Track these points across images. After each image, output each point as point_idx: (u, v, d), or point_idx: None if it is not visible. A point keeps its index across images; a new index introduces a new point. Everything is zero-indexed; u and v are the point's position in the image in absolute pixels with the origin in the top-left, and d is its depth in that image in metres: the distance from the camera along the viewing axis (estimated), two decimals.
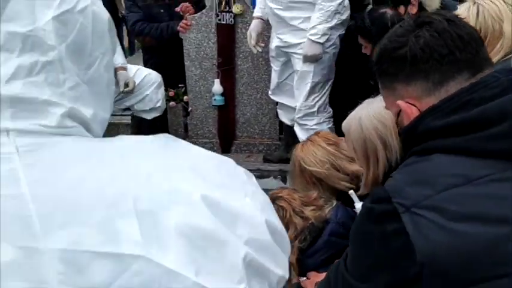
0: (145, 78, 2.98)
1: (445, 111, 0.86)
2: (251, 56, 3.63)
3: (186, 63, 3.72)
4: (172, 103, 3.60)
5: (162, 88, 3.11)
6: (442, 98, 0.88)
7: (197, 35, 3.66)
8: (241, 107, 3.80)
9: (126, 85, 2.85)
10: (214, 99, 3.64)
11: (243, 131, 3.87)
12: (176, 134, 3.87)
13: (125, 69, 2.86)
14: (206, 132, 3.90)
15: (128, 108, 3.23)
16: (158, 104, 3.10)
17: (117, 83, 2.90)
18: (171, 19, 3.60)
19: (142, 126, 3.30)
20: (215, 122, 3.85)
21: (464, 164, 0.83)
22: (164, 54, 3.73)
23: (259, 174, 3.50)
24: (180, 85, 3.73)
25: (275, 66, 3.25)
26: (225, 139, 3.86)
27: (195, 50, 3.70)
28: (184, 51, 3.69)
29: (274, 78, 3.28)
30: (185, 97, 3.77)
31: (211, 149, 3.86)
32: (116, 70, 2.80)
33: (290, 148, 3.41)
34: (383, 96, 1.03)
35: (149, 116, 3.13)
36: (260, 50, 3.23)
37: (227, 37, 3.61)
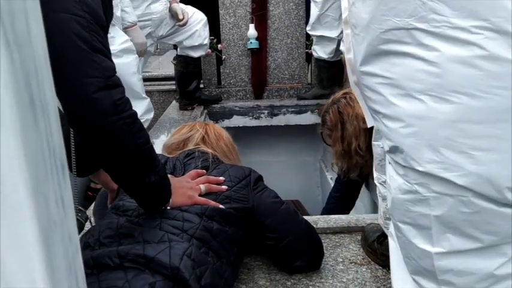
0: (194, 15, 3.10)
1: None
2: (282, 1, 3.71)
3: (220, 11, 3.77)
4: (208, 50, 3.63)
5: (208, 26, 3.18)
6: None
7: None
8: (272, 52, 3.86)
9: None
10: (250, 43, 3.71)
11: (274, 77, 3.93)
12: (210, 83, 3.93)
13: (177, 2, 2.92)
14: (239, 81, 3.96)
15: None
16: (205, 41, 3.22)
17: (171, 16, 2.93)
18: None
19: (182, 77, 3.39)
20: (247, 70, 3.91)
21: None
22: (198, 5, 3.75)
23: (297, 110, 3.63)
24: (211, 37, 3.77)
25: None
26: (257, 86, 3.91)
27: None
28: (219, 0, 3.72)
29: (315, 12, 3.36)
30: (219, 45, 3.81)
31: (244, 96, 3.94)
32: (170, 3, 2.85)
33: (325, 84, 3.56)
34: None
35: (196, 54, 3.25)
36: None
37: None
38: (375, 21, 0.67)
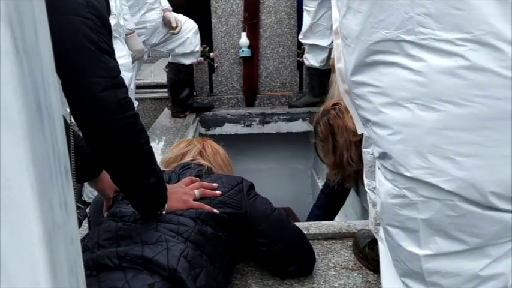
0: (185, 23, 3.12)
1: None
2: (274, 10, 3.74)
3: (213, 20, 3.80)
4: (200, 58, 3.65)
5: (199, 34, 3.21)
6: None
7: None
8: (264, 61, 3.89)
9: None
10: (242, 51, 3.74)
11: (266, 85, 3.96)
12: (202, 91, 3.94)
13: (170, 11, 2.94)
14: (230, 89, 3.98)
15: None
16: (196, 48, 3.25)
17: (164, 24, 2.96)
18: None
19: (174, 85, 3.41)
20: (239, 78, 3.93)
21: None
22: (191, 14, 3.78)
23: (289, 117, 3.65)
24: (203, 45, 3.79)
25: (309, 7, 3.32)
26: (249, 93, 3.93)
27: (222, 7, 3.77)
28: (211, 8, 3.78)
29: (307, 21, 3.38)
30: (211, 53, 3.83)
31: (236, 104, 3.96)
32: (163, 12, 2.88)
33: (316, 92, 3.60)
34: None
35: (187, 61, 3.27)
36: None
37: None
38: (364, 33, 0.70)
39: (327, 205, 2.34)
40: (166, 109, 3.88)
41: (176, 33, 3.03)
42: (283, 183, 4.07)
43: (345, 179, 1.81)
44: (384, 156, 0.72)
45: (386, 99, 0.69)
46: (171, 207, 1.12)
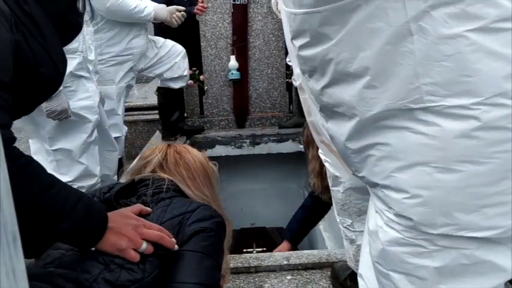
0: (173, 48, 3.15)
1: None
2: (262, 33, 3.80)
3: (202, 44, 3.85)
4: (190, 81, 3.69)
5: (187, 58, 3.25)
6: None
7: (213, 17, 3.82)
8: (253, 82, 3.93)
9: None
10: (231, 74, 3.79)
11: (256, 106, 4.00)
12: (193, 114, 3.98)
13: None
14: (221, 110, 4.02)
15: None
16: (185, 73, 3.27)
17: (151, 47, 3.00)
18: (191, 4, 3.71)
19: (164, 108, 3.44)
20: (230, 100, 3.97)
21: None
22: (180, 37, 3.83)
23: (279, 138, 3.68)
24: (193, 68, 3.84)
25: None
26: (239, 115, 3.97)
27: (210, 31, 3.83)
28: (200, 32, 3.84)
29: None
30: (201, 76, 3.88)
31: (227, 125, 3.99)
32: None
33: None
34: None
35: (176, 85, 3.28)
36: None
37: (241, 16, 3.75)
38: (362, 104, 0.68)
39: (312, 205, 2.18)
40: (157, 132, 3.91)
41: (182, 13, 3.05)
42: (276, 203, 4.07)
43: (323, 190, 1.75)
44: (400, 216, 0.71)
45: (398, 164, 0.68)
46: (103, 246, 0.91)
